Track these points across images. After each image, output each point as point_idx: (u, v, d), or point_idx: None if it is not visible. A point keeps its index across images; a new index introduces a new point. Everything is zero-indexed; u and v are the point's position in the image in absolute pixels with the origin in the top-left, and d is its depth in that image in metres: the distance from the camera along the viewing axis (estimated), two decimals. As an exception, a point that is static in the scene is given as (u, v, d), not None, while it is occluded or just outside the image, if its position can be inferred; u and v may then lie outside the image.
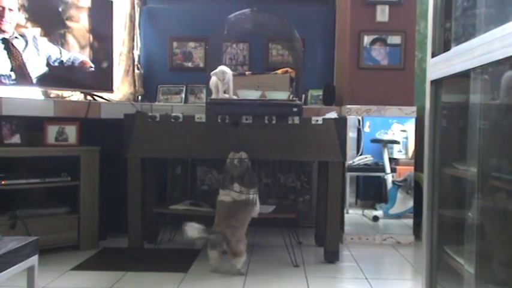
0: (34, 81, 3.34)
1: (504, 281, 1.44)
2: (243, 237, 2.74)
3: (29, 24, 3.31)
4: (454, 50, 1.56)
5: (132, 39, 4.10)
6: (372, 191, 3.88)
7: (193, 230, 2.67)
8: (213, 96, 3.14)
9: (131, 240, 3.00)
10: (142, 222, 3.03)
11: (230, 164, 2.81)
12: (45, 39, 3.39)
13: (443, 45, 1.71)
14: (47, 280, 2.59)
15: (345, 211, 3.63)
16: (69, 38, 3.51)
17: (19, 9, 3.27)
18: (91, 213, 3.24)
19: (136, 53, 4.15)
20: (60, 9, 3.46)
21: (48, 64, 3.40)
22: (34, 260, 1.73)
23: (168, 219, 3.68)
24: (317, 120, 2.94)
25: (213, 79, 3.12)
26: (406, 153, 3.72)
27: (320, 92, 4.02)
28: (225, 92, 3.12)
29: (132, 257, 2.99)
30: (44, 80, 3.40)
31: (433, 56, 1.73)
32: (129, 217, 2.99)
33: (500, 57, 1.20)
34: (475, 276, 1.46)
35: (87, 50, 3.60)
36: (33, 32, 3.33)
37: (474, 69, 1.42)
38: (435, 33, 1.73)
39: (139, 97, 4.15)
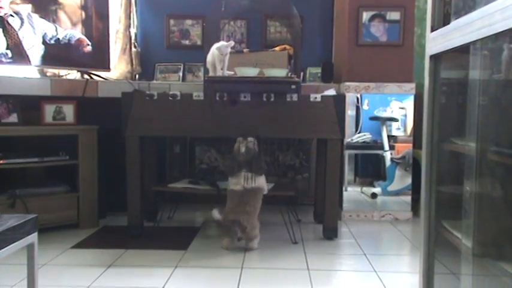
0: (30, 59, 3.31)
1: (501, 255, 1.45)
2: (257, 221, 2.80)
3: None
4: (454, 23, 1.54)
5: (128, 16, 4.05)
6: (371, 168, 3.89)
7: (216, 213, 2.79)
8: (210, 74, 3.11)
9: (131, 219, 3.02)
10: (142, 201, 3.04)
11: (237, 151, 2.81)
12: (38, 16, 3.34)
13: (442, 20, 1.69)
14: (47, 258, 2.62)
15: (344, 188, 3.64)
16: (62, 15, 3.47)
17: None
18: (90, 192, 3.25)
19: (133, 31, 4.10)
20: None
21: (44, 42, 3.36)
22: (34, 237, 1.73)
23: (167, 198, 3.70)
24: (315, 98, 2.93)
25: (209, 57, 3.09)
26: (405, 130, 3.72)
27: (319, 70, 3.99)
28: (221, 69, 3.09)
29: (131, 235, 3.01)
30: (41, 58, 3.36)
31: (432, 30, 1.71)
32: (128, 195, 3.00)
33: (501, 29, 1.18)
34: (472, 250, 1.47)
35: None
36: (28, 8, 3.28)
37: (474, 42, 1.40)
38: (435, 6, 1.70)
39: (137, 75, 4.12)
